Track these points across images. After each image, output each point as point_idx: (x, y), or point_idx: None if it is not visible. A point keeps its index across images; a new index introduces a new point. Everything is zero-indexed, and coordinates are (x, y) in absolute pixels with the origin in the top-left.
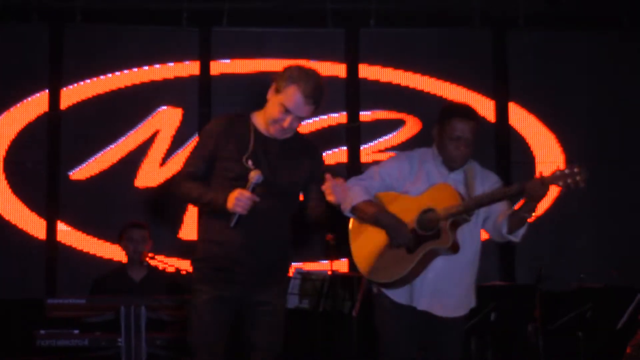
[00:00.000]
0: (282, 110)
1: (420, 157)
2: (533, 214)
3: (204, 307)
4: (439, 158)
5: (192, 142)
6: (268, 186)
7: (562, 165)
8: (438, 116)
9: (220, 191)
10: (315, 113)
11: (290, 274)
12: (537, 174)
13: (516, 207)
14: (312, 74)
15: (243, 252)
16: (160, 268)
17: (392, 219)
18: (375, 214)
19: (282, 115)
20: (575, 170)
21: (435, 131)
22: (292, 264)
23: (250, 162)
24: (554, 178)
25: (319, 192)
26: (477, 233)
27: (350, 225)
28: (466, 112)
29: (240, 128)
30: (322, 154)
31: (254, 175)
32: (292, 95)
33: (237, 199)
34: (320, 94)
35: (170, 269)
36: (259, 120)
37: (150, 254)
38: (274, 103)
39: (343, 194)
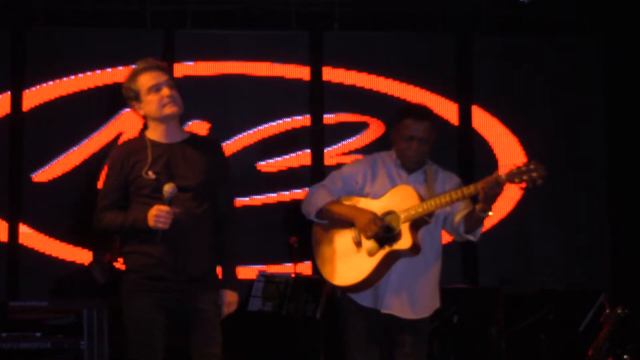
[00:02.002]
0: (154, 92)
1: (381, 160)
2: (490, 213)
3: (140, 317)
4: (397, 161)
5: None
6: (181, 190)
7: (519, 163)
8: (394, 118)
9: (140, 210)
10: (167, 74)
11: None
12: (494, 173)
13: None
14: (139, 62)
15: (175, 259)
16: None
17: (362, 211)
18: (345, 210)
19: (157, 94)
20: (531, 167)
21: (392, 133)
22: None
23: (150, 173)
24: (510, 176)
25: (226, 200)
26: (437, 234)
27: (313, 231)
28: (418, 111)
29: (139, 146)
30: (222, 148)
31: (168, 189)
32: (143, 81)
33: (157, 216)
34: (154, 61)
35: None
36: (152, 133)
37: (108, 257)
38: (146, 102)
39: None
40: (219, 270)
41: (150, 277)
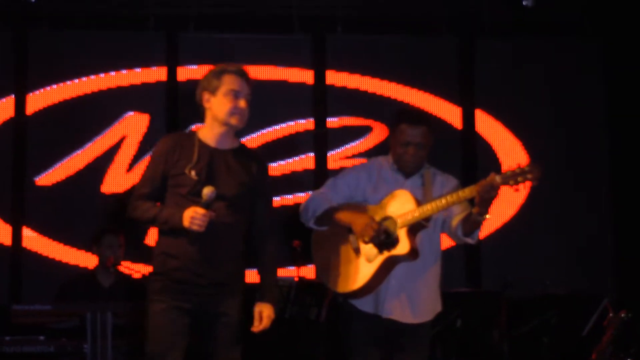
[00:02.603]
0: (232, 96)
1: (378, 165)
2: (487, 216)
3: (161, 317)
4: (394, 165)
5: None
6: (217, 198)
7: (514, 165)
8: (390, 122)
9: (175, 208)
10: (250, 92)
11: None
12: (490, 176)
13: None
14: (232, 64)
15: (201, 264)
16: (126, 274)
17: (359, 215)
18: (343, 215)
19: (234, 100)
20: (527, 169)
21: (389, 138)
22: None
23: (193, 173)
24: (505, 178)
25: (265, 214)
26: (436, 237)
27: (312, 238)
28: (414, 116)
29: (186, 144)
30: (267, 166)
31: (208, 192)
32: (231, 80)
33: (193, 218)
34: (247, 72)
35: (137, 275)
36: (205, 133)
37: (111, 260)
38: (219, 100)
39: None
40: (249, 273)
41: (175, 281)
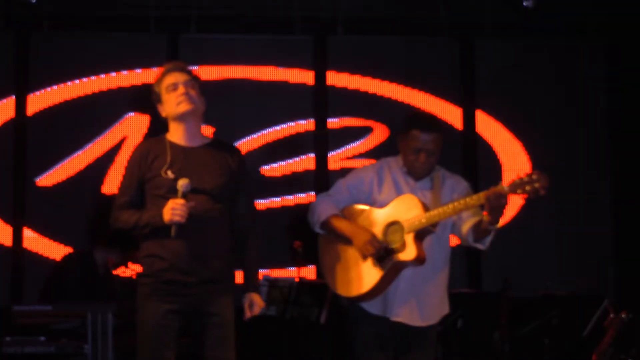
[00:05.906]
0: (171, 90)
1: (388, 166)
2: (498, 225)
3: (152, 326)
4: (404, 168)
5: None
6: (197, 193)
7: (521, 173)
8: (401, 126)
9: (156, 210)
10: (189, 78)
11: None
12: (498, 185)
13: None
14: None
15: (189, 261)
16: (127, 274)
17: (361, 230)
18: (345, 227)
19: (174, 92)
20: (534, 177)
21: (399, 142)
22: (235, 271)
23: (169, 172)
24: (513, 187)
25: (248, 207)
26: (445, 239)
27: (319, 241)
28: (427, 123)
29: (158, 147)
30: (242, 155)
31: (182, 183)
32: (166, 79)
33: (173, 209)
34: (178, 63)
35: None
36: (173, 135)
37: (113, 261)
38: (166, 101)
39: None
40: (237, 274)
41: (164, 282)
